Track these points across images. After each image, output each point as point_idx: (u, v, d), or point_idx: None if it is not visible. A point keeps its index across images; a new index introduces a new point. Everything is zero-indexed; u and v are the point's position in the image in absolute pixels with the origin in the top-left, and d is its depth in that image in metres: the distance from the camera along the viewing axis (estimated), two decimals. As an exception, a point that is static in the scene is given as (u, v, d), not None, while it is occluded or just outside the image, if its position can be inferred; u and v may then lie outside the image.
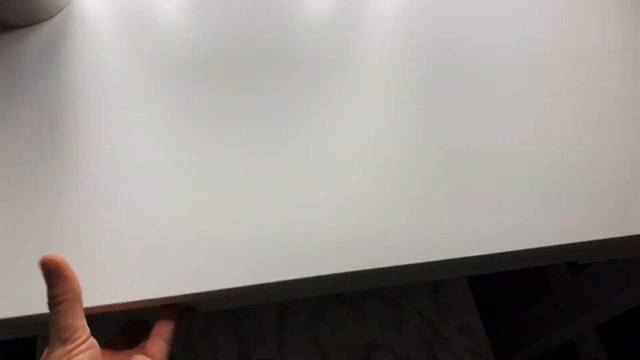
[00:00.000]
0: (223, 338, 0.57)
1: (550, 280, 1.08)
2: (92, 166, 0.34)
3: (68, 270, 0.26)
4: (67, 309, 0.26)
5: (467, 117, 0.39)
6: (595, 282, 0.60)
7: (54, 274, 0.26)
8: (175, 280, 0.31)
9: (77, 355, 0.26)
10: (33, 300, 0.29)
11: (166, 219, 0.33)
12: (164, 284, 0.30)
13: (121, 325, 0.34)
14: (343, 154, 0.36)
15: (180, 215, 0.33)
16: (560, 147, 0.39)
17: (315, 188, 0.35)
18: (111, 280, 0.30)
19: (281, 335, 0.58)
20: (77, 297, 0.27)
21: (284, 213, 0.33)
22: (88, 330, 0.27)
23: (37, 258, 0.27)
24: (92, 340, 0.27)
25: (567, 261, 0.41)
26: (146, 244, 0.32)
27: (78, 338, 0.26)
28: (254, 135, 0.37)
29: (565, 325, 0.66)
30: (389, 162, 0.36)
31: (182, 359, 0.56)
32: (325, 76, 0.41)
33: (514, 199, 0.36)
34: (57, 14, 0.43)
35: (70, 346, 0.25)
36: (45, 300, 0.26)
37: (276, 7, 0.45)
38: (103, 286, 0.30)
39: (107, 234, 0.32)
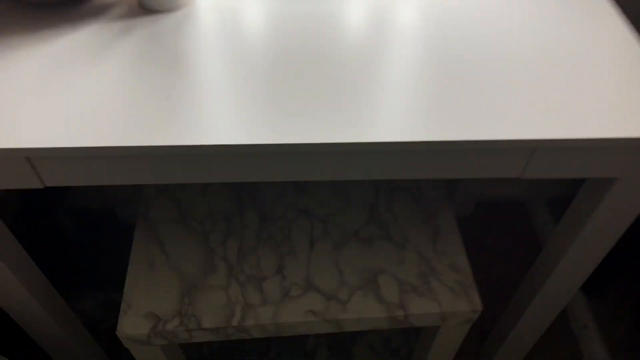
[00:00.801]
0: (266, 254, 0.76)
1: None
2: (190, 87, 0.57)
3: None
4: None
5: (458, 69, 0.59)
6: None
7: None
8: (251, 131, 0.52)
9: None
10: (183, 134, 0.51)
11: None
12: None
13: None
14: (382, 107, 0.57)
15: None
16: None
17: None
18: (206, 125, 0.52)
19: (310, 257, 0.76)
20: None
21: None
22: None
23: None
24: None
25: (512, 174, 0.58)
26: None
27: None
28: (308, 106, 0.59)
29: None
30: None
31: (235, 264, 0.75)
32: (361, 66, 0.62)
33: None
34: (183, 8, 0.68)
35: None
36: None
37: (327, 23, 0.68)
38: (205, 129, 0.51)
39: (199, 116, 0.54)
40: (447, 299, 0.73)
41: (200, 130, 0.52)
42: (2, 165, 0.54)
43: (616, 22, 0.66)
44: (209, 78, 0.58)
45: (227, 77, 0.58)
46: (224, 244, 0.78)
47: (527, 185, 1.34)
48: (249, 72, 0.59)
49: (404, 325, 0.74)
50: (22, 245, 0.73)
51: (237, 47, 0.62)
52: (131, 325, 0.70)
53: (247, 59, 0.61)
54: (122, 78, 0.57)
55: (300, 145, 0.52)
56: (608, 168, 0.59)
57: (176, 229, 0.79)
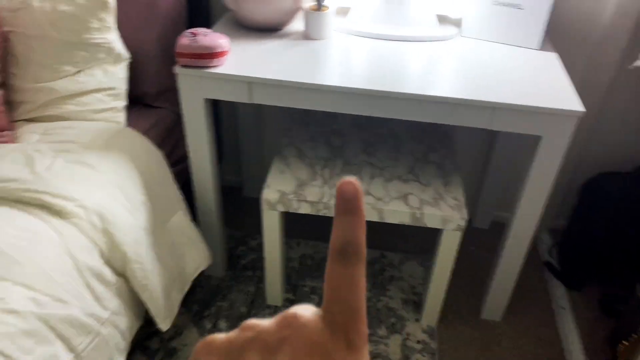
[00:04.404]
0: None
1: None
2: (326, 67, 1.20)
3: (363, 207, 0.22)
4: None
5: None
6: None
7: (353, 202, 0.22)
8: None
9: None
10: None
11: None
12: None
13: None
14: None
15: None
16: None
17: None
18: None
19: (370, 183, 1.31)
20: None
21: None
22: None
23: None
24: None
25: (482, 125, 1.13)
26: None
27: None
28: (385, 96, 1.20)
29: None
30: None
31: (327, 179, 1.31)
32: (416, 78, 1.24)
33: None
34: (324, 39, 1.33)
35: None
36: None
37: (400, 55, 1.31)
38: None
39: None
40: (447, 210, 1.24)
41: (332, 79, 1.14)
42: (234, 86, 1.18)
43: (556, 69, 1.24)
44: (335, 67, 1.21)
45: (343, 69, 1.21)
46: (322, 170, 1.35)
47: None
48: (355, 69, 1.21)
49: (420, 223, 1.24)
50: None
51: (349, 59, 1.26)
52: (269, 194, 1.27)
53: (355, 65, 1.23)
54: (298, 58, 1.22)
55: (384, 92, 1.12)
56: (536, 127, 1.13)
57: (296, 161, 1.38)
